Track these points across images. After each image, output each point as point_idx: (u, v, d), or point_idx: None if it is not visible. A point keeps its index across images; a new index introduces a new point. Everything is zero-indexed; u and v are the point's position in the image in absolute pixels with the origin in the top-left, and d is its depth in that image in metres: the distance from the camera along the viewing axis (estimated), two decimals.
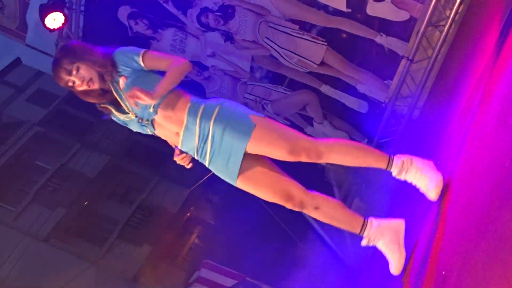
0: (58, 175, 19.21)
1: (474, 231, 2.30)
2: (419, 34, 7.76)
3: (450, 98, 6.04)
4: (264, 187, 3.57)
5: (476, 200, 2.46)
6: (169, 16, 9.06)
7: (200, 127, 3.49)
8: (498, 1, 5.07)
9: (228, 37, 8.83)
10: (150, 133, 3.68)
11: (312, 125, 8.91)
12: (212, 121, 3.48)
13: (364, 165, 3.58)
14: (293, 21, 8.45)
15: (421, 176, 3.41)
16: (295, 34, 8.45)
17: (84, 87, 3.54)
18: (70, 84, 3.55)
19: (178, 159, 3.66)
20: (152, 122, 3.58)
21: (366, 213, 3.79)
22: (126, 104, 3.58)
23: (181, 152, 3.64)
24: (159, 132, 3.64)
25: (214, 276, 14.82)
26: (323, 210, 3.61)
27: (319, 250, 9.26)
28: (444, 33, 7.63)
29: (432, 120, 6.96)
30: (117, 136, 19.26)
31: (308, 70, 8.71)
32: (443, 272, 2.52)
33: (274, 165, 3.62)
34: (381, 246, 3.58)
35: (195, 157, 3.65)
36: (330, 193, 9.21)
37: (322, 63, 8.54)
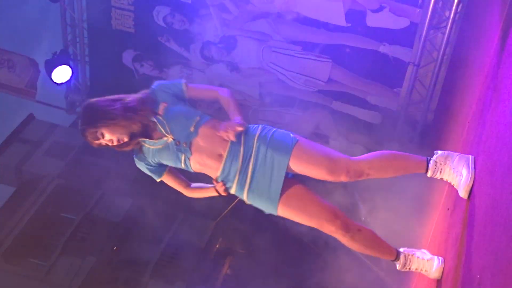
0: (84, 224, 19.25)
1: (502, 230, 2.29)
2: (422, 39, 7.77)
3: (462, 98, 6.02)
4: (307, 212, 3.55)
5: (500, 199, 2.45)
6: (172, 54, 9.14)
7: (244, 145, 3.52)
8: None
9: (234, 67, 8.88)
10: (183, 166, 3.63)
11: (328, 142, 8.90)
12: (256, 138, 3.53)
13: (403, 174, 3.60)
14: (295, 43, 8.49)
15: (454, 174, 3.43)
16: (299, 55, 8.49)
17: (116, 143, 3.57)
18: (104, 145, 3.61)
19: (218, 185, 3.63)
20: (191, 145, 3.55)
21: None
22: (165, 127, 3.57)
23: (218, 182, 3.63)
24: (195, 158, 3.56)
25: None
26: (363, 233, 3.63)
27: (356, 269, 9.19)
28: (446, 34, 7.63)
29: (447, 121, 6.93)
30: (137, 178, 19.31)
31: (316, 89, 8.73)
32: (478, 276, 2.50)
33: (313, 192, 3.61)
34: (417, 257, 3.70)
35: (232, 189, 3.60)
36: (355, 210, 9.19)
37: (330, 80, 8.56)
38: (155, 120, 3.58)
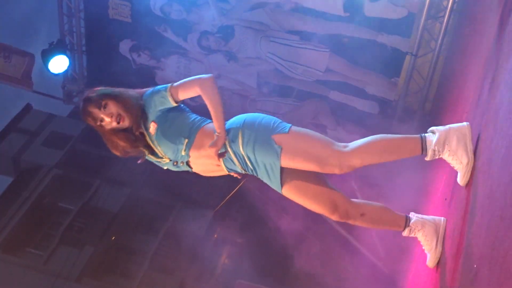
0: (81, 214, 19.25)
1: (499, 221, 2.28)
2: (420, 28, 7.76)
3: (460, 88, 6.01)
4: (310, 199, 3.58)
5: (498, 190, 2.44)
6: (170, 44, 9.11)
7: (234, 154, 3.52)
8: None
9: (231, 56, 8.86)
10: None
11: (326, 133, 8.89)
12: (241, 147, 3.50)
13: (399, 158, 3.55)
14: (293, 32, 8.47)
15: (454, 159, 3.32)
16: (296, 45, 8.47)
17: (114, 124, 3.50)
18: (99, 123, 3.51)
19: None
20: (187, 163, 3.60)
21: (392, 207, 3.82)
22: (159, 149, 3.60)
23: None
24: (197, 169, 3.66)
25: None
26: (368, 215, 3.65)
27: (349, 255, 9.20)
28: (444, 24, 7.62)
29: (445, 111, 6.93)
30: (135, 168, 19.30)
31: (314, 79, 8.72)
32: (475, 266, 2.50)
33: (317, 178, 3.60)
34: (421, 237, 3.67)
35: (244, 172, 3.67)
36: (352, 191, 9.20)
37: (328, 70, 8.55)
38: (150, 142, 3.60)
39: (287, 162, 3.45)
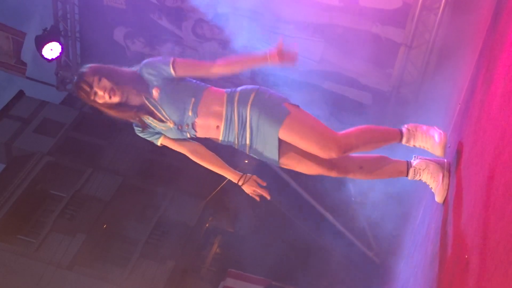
0: (73, 202, 19.23)
1: (491, 211, 2.29)
2: (415, 19, 7.75)
3: (454, 79, 6.02)
4: (307, 163, 3.61)
5: (490, 180, 2.45)
6: (164, 32, 9.08)
7: (238, 113, 3.52)
8: None
9: (225, 45, 8.84)
10: (188, 137, 3.66)
11: None
12: (248, 106, 3.51)
13: (382, 146, 3.69)
14: (288, 22, 8.44)
15: (426, 137, 3.59)
16: (291, 34, 8.45)
17: (106, 98, 3.48)
18: (92, 97, 3.49)
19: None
20: (193, 125, 3.58)
21: None
22: (163, 114, 3.57)
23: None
24: (199, 133, 3.62)
25: (240, 284, 14.73)
26: (367, 167, 3.72)
27: (341, 246, 9.21)
28: (439, 16, 7.62)
29: (439, 103, 6.94)
30: (128, 156, 19.28)
31: (308, 69, 8.70)
32: (466, 256, 2.50)
33: None
34: (426, 176, 3.71)
35: (235, 146, 3.65)
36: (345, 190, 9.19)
37: (322, 60, 8.53)
38: (152, 108, 3.57)
39: (288, 131, 3.47)
